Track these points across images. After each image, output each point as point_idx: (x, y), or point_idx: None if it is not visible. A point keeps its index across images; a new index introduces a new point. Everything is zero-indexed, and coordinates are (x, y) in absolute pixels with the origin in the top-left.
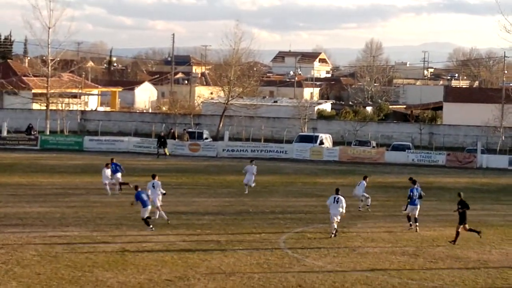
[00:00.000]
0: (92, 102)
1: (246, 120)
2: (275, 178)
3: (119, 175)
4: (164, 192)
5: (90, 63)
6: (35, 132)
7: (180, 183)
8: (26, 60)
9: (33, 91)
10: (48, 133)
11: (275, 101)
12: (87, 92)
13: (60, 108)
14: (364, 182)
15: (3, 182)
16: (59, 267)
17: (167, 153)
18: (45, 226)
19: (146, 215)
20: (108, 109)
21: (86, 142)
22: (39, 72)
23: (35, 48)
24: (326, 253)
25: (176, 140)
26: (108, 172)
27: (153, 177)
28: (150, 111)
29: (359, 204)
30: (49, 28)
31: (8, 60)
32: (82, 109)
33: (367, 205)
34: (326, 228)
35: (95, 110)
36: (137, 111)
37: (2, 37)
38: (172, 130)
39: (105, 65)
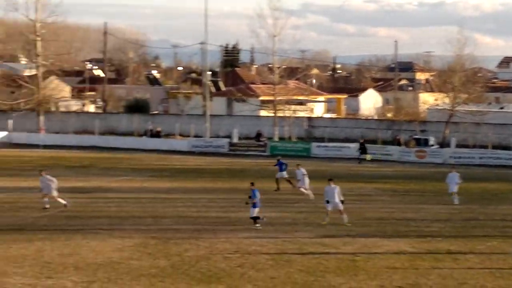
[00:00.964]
0: (317, 109)
1: (472, 127)
2: (505, 185)
3: (284, 173)
4: None
5: (315, 71)
6: (264, 139)
7: (407, 190)
8: (253, 68)
9: (260, 98)
10: (276, 139)
11: (502, 108)
12: (313, 99)
13: (287, 115)
14: None
15: (235, 187)
16: (292, 272)
17: (368, 158)
18: (276, 231)
19: (254, 215)
20: (334, 115)
21: (313, 148)
22: (266, 79)
23: (260, 56)
24: None
25: (402, 146)
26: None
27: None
28: (375, 117)
29: None
30: (274, 36)
31: (236, 68)
32: (309, 116)
33: None
34: None
35: (321, 117)
36: (363, 118)
37: (230, 46)
38: (398, 137)
39: (329, 72)
